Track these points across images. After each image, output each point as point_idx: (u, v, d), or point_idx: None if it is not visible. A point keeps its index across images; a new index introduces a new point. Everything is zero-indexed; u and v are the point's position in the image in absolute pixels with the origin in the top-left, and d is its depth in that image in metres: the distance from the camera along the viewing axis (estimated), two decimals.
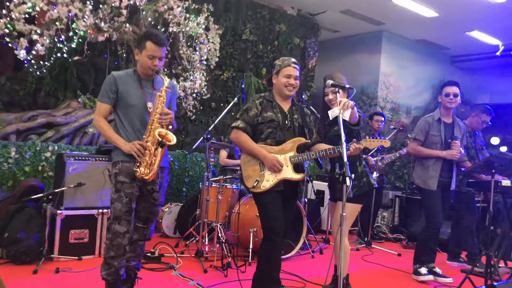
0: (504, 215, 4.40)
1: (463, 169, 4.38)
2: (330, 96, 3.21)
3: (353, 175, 2.37)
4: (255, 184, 2.91)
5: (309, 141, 3.07)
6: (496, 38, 8.32)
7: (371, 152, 5.22)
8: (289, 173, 2.93)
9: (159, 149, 2.65)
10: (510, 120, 10.38)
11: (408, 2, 6.90)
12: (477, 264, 3.82)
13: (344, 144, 2.52)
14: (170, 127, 2.73)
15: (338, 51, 9.15)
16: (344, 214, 2.39)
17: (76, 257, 3.88)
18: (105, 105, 2.74)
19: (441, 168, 4.05)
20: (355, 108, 2.89)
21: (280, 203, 2.93)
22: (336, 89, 2.83)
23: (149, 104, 2.75)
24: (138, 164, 2.62)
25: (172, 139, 2.68)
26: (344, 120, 3.16)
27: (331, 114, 2.78)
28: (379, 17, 7.81)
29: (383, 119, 5.69)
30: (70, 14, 4.72)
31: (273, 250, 2.91)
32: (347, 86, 2.85)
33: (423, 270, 4.07)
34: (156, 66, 2.71)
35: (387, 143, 3.01)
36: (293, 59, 3.05)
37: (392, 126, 5.78)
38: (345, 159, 2.43)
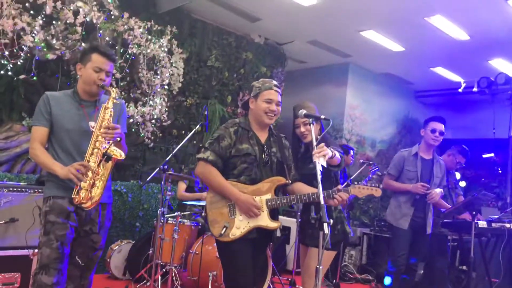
0: (479, 257, 4.21)
1: (443, 210, 4.18)
2: (302, 129, 2.83)
3: (330, 223, 1.99)
4: (222, 232, 2.43)
5: (289, 181, 2.60)
6: (459, 75, 8.47)
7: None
8: (264, 219, 2.47)
9: (105, 166, 2.26)
10: (470, 156, 10.55)
11: (375, 35, 6.87)
12: None
13: (320, 185, 2.15)
14: (117, 143, 2.32)
15: (305, 82, 9.04)
16: (320, 267, 2.03)
17: None
18: (41, 129, 2.36)
19: (414, 206, 3.80)
20: (335, 151, 2.51)
21: (250, 253, 2.47)
22: (310, 120, 2.52)
23: (92, 123, 2.38)
24: (77, 189, 2.22)
25: (120, 155, 2.29)
26: None
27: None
28: (346, 49, 7.77)
29: (352, 153, 5.58)
30: (16, 28, 4.28)
31: None
32: (322, 116, 2.54)
33: None
34: (102, 81, 2.36)
35: (378, 191, 2.61)
36: (274, 82, 2.66)
37: (362, 160, 5.60)
38: (322, 202, 2.09)
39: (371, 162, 5.75)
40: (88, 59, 2.38)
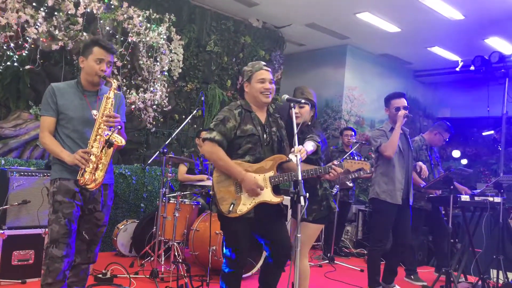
0: (464, 229, 4.43)
1: (422, 185, 4.36)
2: (296, 110, 2.97)
3: (306, 196, 2.21)
4: (230, 208, 2.58)
5: (290, 158, 2.71)
6: (456, 54, 8.54)
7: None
8: (268, 195, 2.64)
9: (107, 152, 2.48)
10: (470, 134, 10.68)
11: (371, 17, 6.97)
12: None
13: (299, 166, 2.37)
14: (117, 131, 2.54)
15: (303, 64, 9.17)
16: (299, 235, 2.27)
17: (19, 281, 3.60)
18: (49, 118, 2.58)
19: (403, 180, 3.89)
20: (309, 144, 2.73)
21: (249, 232, 2.70)
22: (303, 103, 2.73)
23: (94, 112, 2.60)
24: (82, 171, 2.46)
25: (120, 141, 2.52)
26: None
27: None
28: (343, 31, 7.88)
29: (353, 133, 5.81)
30: (20, 21, 4.48)
31: (235, 280, 2.73)
32: (302, 101, 2.74)
33: None
34: (103, 72, 2.56)
35: (367, 165, 2.88)
36: (263, 62, 2.80)
37: (355, 140, 5.79)
38: (300, 177, 2.32)
39: (363, 142, 5.94)
40: (90, 52, 2.57)
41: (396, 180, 3.84)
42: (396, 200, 3.83)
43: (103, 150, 2.48)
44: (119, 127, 2.54)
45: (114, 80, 2.61)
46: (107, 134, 2.48)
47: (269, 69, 2.80)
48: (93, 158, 2.46)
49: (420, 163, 4.19)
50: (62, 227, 2.46)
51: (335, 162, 2.75)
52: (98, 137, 2.50)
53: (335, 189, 5.17)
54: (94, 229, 2.65)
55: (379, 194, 3.90)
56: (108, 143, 2.46)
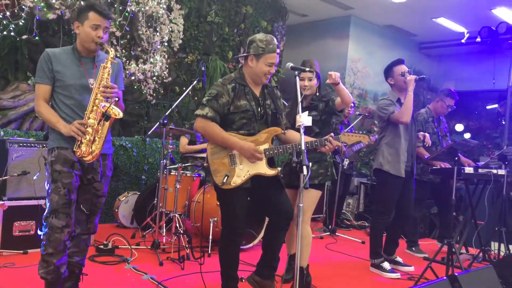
0: (466, 202, 4.41)
1: (426, 157, 4.31)
2: (306, 83, 3.15)
3: (311, 163, 2.20)
4: (224, 181, 2.59)
5: (284, 131, 2.73)
6: (462, 25, 8.36)
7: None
8: (262, 167, 2.63)
9: (105, 124, 2.42)
10: (474, 107, 10.58)
11: None
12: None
13: (303, 136, 2.35)
14: (115, 103, 2.46)
15: (306, 35, 8.99)
16: (301, 204, 2.24)
17: (21, 251, 3.62)
18: (45, 86, 2.47)
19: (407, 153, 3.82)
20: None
21: (246, 201, 2.69)
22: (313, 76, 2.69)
23: (91, 81, 2.51)
24: (78, 143, 2.40)
25: (118, 113, 2.44)
26: (332, 105, 3.19)
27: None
28: (347, 2, 7.68)
29: (352, 105, 5.68)
30: None
31: (232, 248, 2.74)
32: (307, 69, 2.67)
33: (387, 265, 3.86)
34: (100, 38, 2.46)
35: (365, 138, 2.80)
36: (276, 42, 2.66)
37: (358, 113, 5.71)
38: (303, 147, 2.28)
39: (366, 114, 5.86)
40: (86, 17, 2.45)
41: (401, 151, 3.77)
42: (400, 172, 3.76)
43: (100, 123, 2.42)
44: (117, 98, 2.46)
45: (112, 49, 2.52)
46: (104, 106, 2.40)
47: (279, 51, 2.71)
48: (89, 129, 2.40)
49: (423, 132, 4.11)
50: (61, 197, 2.41)
51: (332, 134, 2.72)
52: (95, 108, 2.43)
53: (346, 161, 5.13)
54: (93, 200, 2.60)
55: (382, 165, 3.82)
56: (105, 116, 2.39)
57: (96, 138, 2.42)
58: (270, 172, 2.67)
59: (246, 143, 2.60)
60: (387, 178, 3.82)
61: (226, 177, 2.60)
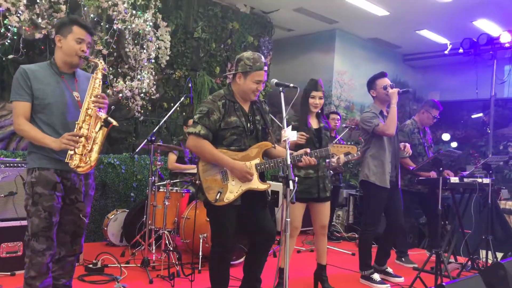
0: (453, 211, 4.46)
1: (411, 168, 4.37)
2: (317, 101, 3.40)
3: (295, 181, 2.25)
4: (217, 197, 2.59)
5: (274, 145, 2.74)
6: (444, 37, 8.54)
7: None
8: (254, 182, 2.66)
9: (101, 132, 2.35)
10: (459, 117, 10.74)
11: (359, 0, 6.92)
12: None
13: (288, 151, 2.42)
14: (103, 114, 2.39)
15: (293, 49, 9.11)
16: (288, 219, 2.27)
17: (9, 273, 3.57)
18: (24, 103, 2.34)
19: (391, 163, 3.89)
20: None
21: (236, 218, 2.69)
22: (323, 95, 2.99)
23: (76, 94, 2.45)
24: (71, 154, 2.31)
25: (113, 121, 2.38)
26: (326, 129, 3.49)
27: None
28: (332, 15, 7.82)
29: (339, 117, 5.80)
30: (1, 9, 4.37)
31: (222, 265, 2.75)
32: (291, 85, 2.71)
33: (377, 276, 3.88)
34: (84, 53, 2.41)
35: (354, 149, 2.96)
36: (263, 59, 2.71)
37: (344, 125, 5.78)
38: (288, 162, 2.31)
39: (353, 126, 5.93)
40: (69, 31, 2.39)
41: (385, 163, 3.84)
42: (385, 183, 3.82)
43: (99, 131, 2.36)
44: (113, 107, 2.47)
45: (100, 60, 2.48)
46: (102, 114, 2.36)
47: (266, 68, 2.75)
48: (82, 140, 2.33)
49: (403, 143, 4.16)
50: (41, 221, 2.35)
51: (308, 150, 2.77)
52: (87, 118, 2.36)
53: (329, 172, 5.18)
54: (77, 221, 2.53)
55: (368, 177, 3.87)
56: (106, 122, 2.35)
57: (94, 147, 2.36)
58: (262, 186, 2.69)
59: (237, 163, 2.61)
60: (373, 189, 3.87)
61: (219, 194, 2.61)
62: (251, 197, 2.70)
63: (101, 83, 2.45)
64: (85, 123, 2.36)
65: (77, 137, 2.31)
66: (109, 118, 2.36)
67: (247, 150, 2.69)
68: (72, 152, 2.32)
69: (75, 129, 2.35)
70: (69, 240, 2.54)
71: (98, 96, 2.39)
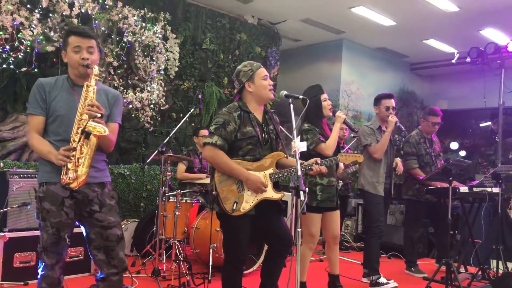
0: (463, 221, 4.45)
1: (421, 177, 4.39)
2: (328, 101, 3.56)
3: (306, 191, 2.28)
4: (234, 207, 2.61)
5: (287, 155, 2.79)
6: (452, 46, 8.56)
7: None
8: (269, 192, 2.68)
9: (89, 144, 2.23)
10: (468, 125, 10.71)
11: (366, 11, 6.98)
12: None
13: (298, 161, 2.45)
14: (102, 127, 2.26)
15: (300, 60, 9.17)
16: (299, 229, 2.29)
17: (22, 283, 3.61)
18: (37, 117, 2.35)
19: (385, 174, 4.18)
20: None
21: (250, 229, 2.71)
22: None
23: None
24: (64, 171, 2.23)
25: (104, 131, 2.24)
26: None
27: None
28: (338, 26, 7.88)
29: (347, 127, 5.75)
30: (15, 23, 4.48)
31: (236, 276, 2.76)
32: (301, 96, 2.76)
33: (383, 279, 3.98)
34: (86, 60, 2.35)
35: (361, 157, 3.05)
36: (254, 62, 2.86)
37: (352, 135, 5.79)
38: (299, 172, 2.34)
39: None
40: (67, 44, 2.39)
41: (379, 174, 4.12)
42: (378, 192, 4.10)
43: (85, 144, 2.23)
44: (99, 115, 2.25)
45: (95, 66, 2.39)
46: (91, 123, 2.22)
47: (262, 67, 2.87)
48: (75, 153, 2.22)
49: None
50: (49, 237, 2.33)
51: (318, 160, 2.82)
52: (79, 130, 2.24)
53: (339, 183, 5.23)
54: (103, 233, 2.41)
55: (364, 186, 4.17)
56: (85, 133, 2.18)
57: (80, 160, 2.22)
58: (277, 196, 2.73)
59: (253, 176, 2.64)
60: (370, 196, 4.15)
61: (235, 204, 2.62)
62: (265, 206, 2.72)
63: (95, 90, 2.33)
64: (77, 136, 2.25)
65: (69, 151, 2.21)
66: (88, 129, 2.20)
67: (261, 160, 2.73)
68: (65, 169, 2.23)
69: (70, 142, 2.27)
70: (104, 258, 2.41)
71: (91, 105, 2.25)
